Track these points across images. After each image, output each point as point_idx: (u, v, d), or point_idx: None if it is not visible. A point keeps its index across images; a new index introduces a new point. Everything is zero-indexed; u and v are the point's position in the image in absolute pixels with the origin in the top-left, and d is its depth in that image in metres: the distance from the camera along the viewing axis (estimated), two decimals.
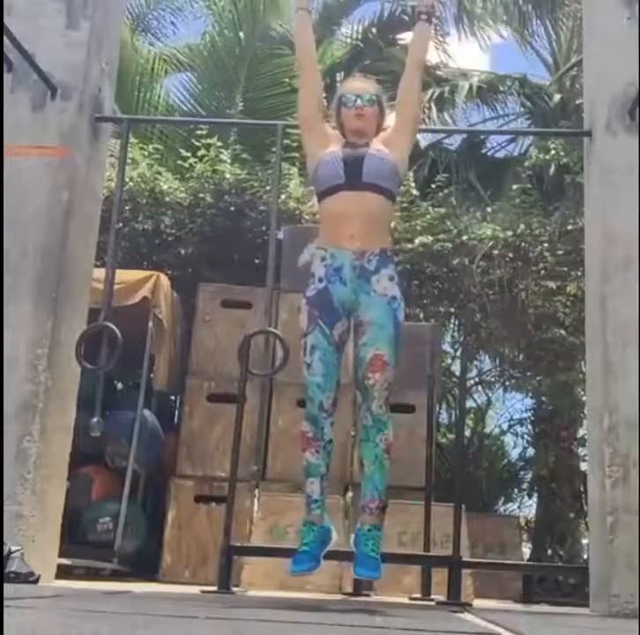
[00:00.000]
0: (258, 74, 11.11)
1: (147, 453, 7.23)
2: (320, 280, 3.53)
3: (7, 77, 4.52)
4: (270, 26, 11.27)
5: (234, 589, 4.60)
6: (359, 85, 3.76)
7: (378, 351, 3.49)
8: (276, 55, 11.10)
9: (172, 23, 12.89)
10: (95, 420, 6.03)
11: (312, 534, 3.48)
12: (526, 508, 12.80)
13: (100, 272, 5.05)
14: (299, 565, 3.47)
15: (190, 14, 12.65)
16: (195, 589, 4.57)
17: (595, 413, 4.38)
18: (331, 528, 3.55)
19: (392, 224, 7.37)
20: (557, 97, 11.26)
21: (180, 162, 8.95)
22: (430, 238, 8.33)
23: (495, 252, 8.44)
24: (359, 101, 3.60)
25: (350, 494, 6.95)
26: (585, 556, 8.36)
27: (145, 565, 6.84)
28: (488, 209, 9.97)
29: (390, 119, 3.73)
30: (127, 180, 7.52)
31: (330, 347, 3.48)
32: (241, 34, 11.12)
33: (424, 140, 11.40)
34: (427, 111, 11.05)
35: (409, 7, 11.25)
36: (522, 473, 11.74)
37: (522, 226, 8.57)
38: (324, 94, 3.95)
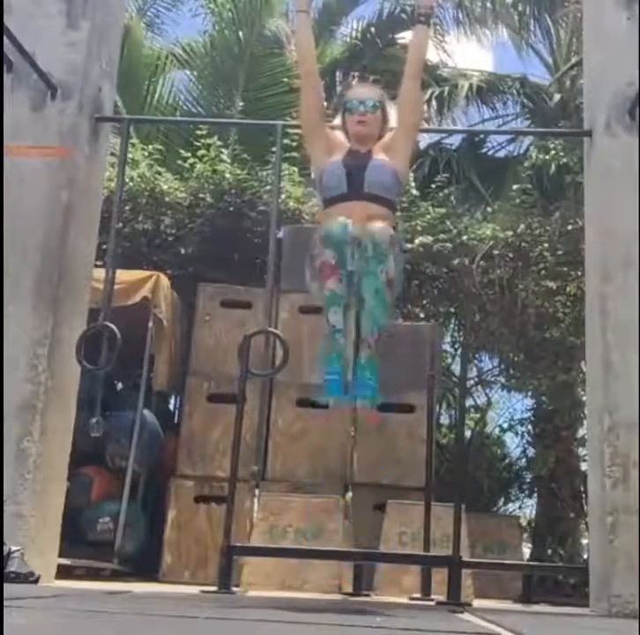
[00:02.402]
0: (257, 74, 11.09)
1: (147, 453, 7.23)
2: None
3: (7, 77, 4.52)
4: (269, 26, 11.26)
5: (234, 589, 4.60)
6: (363, 92, 3.86)
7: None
8: (275, 54, 11.10)
9: (168, 17, 12.88)
10: (95, 420, 6.04)
11: (338, 363, 3.41)
12: (526, 508, 12.80)
13: (100, 273, 5.05)
14: (333, 391, 3.41)
15: (189, 12, 12.63)
16: (195, 589, 4.57)
17: (595, 413, 4.38)
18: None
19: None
20: (557, 97, 11.25)
21: (180, 162, 8.94)
22: (430, 238, 8.33)
23: (495, 252, 8.44)
24: (362, 108, 3.71)
25: (350, 494, 6.96)
26: (585, 556, 8.35)
27: (145, 565, 6.84)
28: (488, 209, 9.97)
29: (393, 118, 3.78)
30: (127, 180, 7.51)
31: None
32: (240, 34, 11.11)
33: (424, 140, 11.40)
34: (427, 112, 11.05)
35: (408, 6, 11.24)
36: (522, 473, 11.72)
37: (522, 226, 8.56)
38: (324, 95, 3.99)
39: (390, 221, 3.70)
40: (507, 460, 12.54)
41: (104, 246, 5.50)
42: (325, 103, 4.01)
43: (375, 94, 3.79)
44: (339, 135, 3.82)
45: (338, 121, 3.87)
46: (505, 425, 12.50)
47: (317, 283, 3.52)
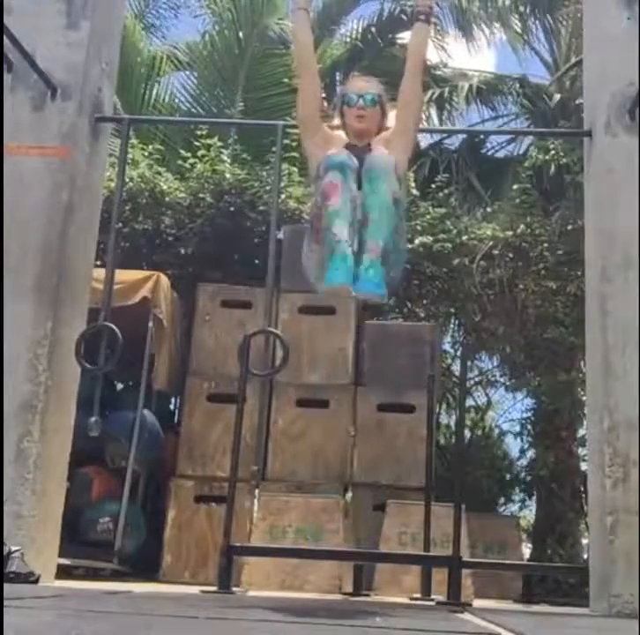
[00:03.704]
0: (258, 74, 11.09)
1: (147, 453, 7.23)
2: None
3: (7, 77, 4.52)
4: (269, 26, 11.26)
5: (234, 589, 4.60)
6: (362, 85, 3.79)
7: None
8: (275, 54, 11.10)
9: (168, 19, 12.90)
10: (93, 419, 6.01)
11: (344, 260, 3.19)
12: (526, 508, 12.80)
13: (100, 272, 5.05)
14: (337, 277, 3.18)
15: (189, 13, 12.65)
16: (195, 589, 4.57)
17: (595, 413, 4.38)
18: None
19: None
20: (557, 97, 11.25)
21: (180, 162, 8.95)
22: (430, 238, 8.33)
23: (495, 252, 8.44)
24: (361, 101, 3.66)
25: (350, 494, 6.96)
26: (585, 556, 8.35)
27: (145, 565, 6.84)
28: (488, 209, 9.97)
29: (391, 118, 3.75)
30: (127, 180, 7.52)
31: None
32: (240, 34, 11.11)
33: (424, 140, 11.40)
34: (427, 112, 11.06)
35: (408, 6, 11.24)
36: (522, 473, 11.73)
37: (522, 226, 8.56)
38: (324, 94, 3.96)
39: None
40: (507, 460, 12.55)
41: (102, 245, 5.50)
42: (325, 103, 3.97)
43: (375, 88, 3.73)
44: (337, 132, 3.78)
45: (336, 121, 3.84)
46: (505, 425, 12.52)
47: (315, 246, 3.41)
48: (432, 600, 4.84)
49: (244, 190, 8.37)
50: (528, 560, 9.29)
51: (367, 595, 5.39)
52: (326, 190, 3.32)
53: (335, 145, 3.66)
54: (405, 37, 11.19)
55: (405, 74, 3.81)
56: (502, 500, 12.13)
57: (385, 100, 3.74)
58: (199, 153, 8.73)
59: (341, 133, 3.75)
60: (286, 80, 10.28)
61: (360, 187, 3.39)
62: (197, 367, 7.41)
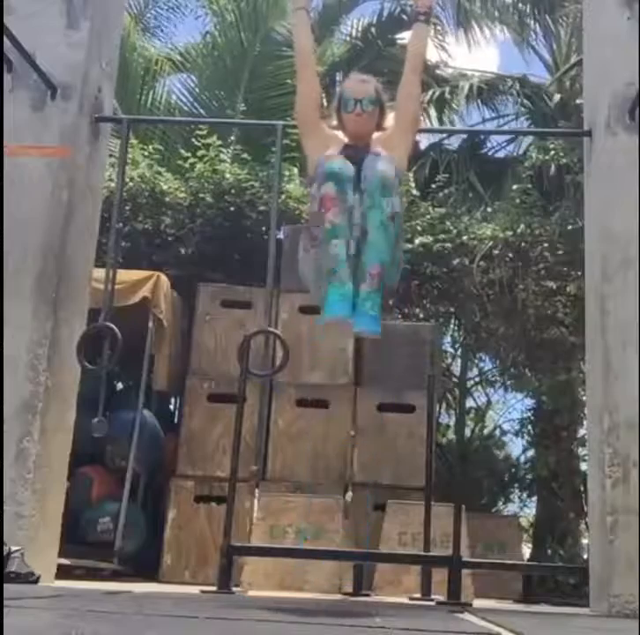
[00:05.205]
0: (260, 75, 11.09)
1: (147, 453, 7.23)
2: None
3: (7, 77, 4.52)
4: (272, 27, 11.26)
5: (234, 589, 4.60)
6: (359, 88, 3.72)
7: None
8: (278, 56, 11.08)
9: (169, 20, 12.89)
10: (97, 420, 6.01)
11: (342, 289, 3.29)
12: (527, 508, 12.82)
13: (100, 272, 5.05)
14: (335, 309, 3.28)
15: (190, 13, 12.65)
16: (195, 589, 4.57)
17: (595, 413, 4.38)
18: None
19: None
20: (557, 97, 11.26)
21: (180, 162, 8.95)
22: (430, 238, 8.34)
23: (495, 252, 8.45)
24: (358, 107, 3.60)
25: (350, 494, 6.95)
26: (585, 556, 8.35)
27: (145, 565, 6.84)
28: (488, 209, 9.97)
29: (390, 119, 3.74)
30: (127, 180, 7.51)
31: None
32: (242, 35, 11.11)
33: (424, 141, 11.41)
34: (425, 113, 11.06)
35: (408, 6, 11.25)
36: (522, 473, 11.73)
37: (522, 226, 8.57)
38: (324, 94, 3.95)
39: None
40: (507, 460, 12.56)
41: (104, 246, 5.50)
42: (325, 102, 3.95)
43: (372, 89, 3.68)
44: (336, 131, 3.75)
45: (335, 122, 3.80)
46: (505, 425, 12.53)
47: (312, 250, 3.43)
48: (432, 600, 4.83)
49: (244, 190, 8.37)
50: (528, 560, 9.30)
51: (367, 595, 5.39)
52: (323, 204, 3.35)
53: (332, 146, 3.62)
54: (405, 37, 11.19)
55: (404, 73, 3.79)
56: (502, 500, 12.13)
57: (383, 98, 3.69)
58: (199, 153, 8.73)
59: (340, 133, 3.73)
60: (289, 81, 10.27)
61: (359, 187, 3.38)
62: (197, 367, 7.41)
